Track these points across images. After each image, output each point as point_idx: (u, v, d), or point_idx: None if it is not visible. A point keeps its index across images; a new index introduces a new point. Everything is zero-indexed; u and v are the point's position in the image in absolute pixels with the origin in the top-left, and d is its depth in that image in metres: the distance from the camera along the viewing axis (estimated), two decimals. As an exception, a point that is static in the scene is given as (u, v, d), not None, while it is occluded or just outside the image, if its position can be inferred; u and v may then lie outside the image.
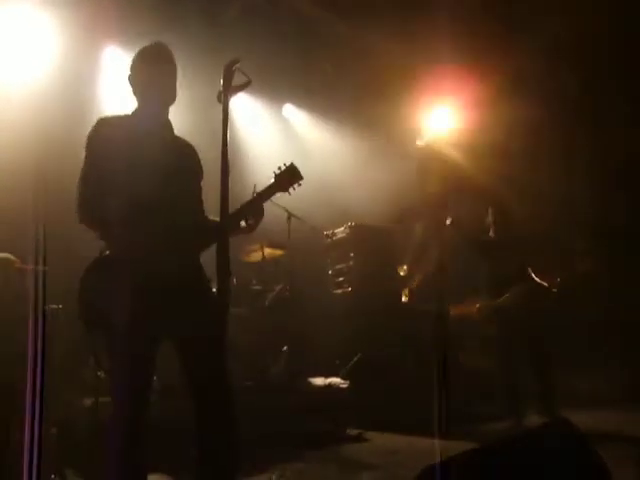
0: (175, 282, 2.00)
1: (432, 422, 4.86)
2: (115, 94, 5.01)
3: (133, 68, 2.25)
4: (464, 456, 1.13)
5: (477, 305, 4.90)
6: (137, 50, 2.26)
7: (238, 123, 6.23)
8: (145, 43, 2.29)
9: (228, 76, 1.73)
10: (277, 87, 6.11)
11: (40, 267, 3.10)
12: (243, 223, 2.23)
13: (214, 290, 2.21)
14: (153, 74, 2.19)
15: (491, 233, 5.11)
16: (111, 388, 2.07)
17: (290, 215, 4.92)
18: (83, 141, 2.15)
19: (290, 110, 6.83)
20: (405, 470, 3.45)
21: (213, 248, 2.17)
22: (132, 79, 2.25)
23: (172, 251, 2.02)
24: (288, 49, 5.99)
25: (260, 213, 2.26)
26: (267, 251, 5.07)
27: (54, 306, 3.59)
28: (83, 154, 2.13)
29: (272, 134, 6.55)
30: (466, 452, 1.16)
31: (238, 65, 1.76)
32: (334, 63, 6.37)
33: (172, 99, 2.24)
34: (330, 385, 4.73)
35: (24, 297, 3.08)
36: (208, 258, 2.23)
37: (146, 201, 2.02)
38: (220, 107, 1.81)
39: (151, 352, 2.07)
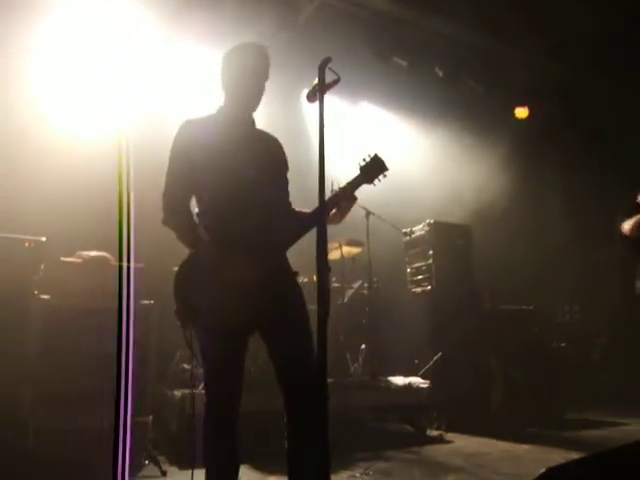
0: (266, 274, 2.02)
1: (513, 424, 4.71)
2: (195, 91, 5.19)
3: (230, 63, 2.24)
4: (585, 461, 1.07)
5: None
6: (235, 46, 2.25)
7: (314, 120, 6.28)
8: (227, 42, 2.31)
9: (322, 75, 1.74)
10: (353, 84, 6.10)
11: (134, 264, 3.29)
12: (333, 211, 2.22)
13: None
14: (249, 72, 2.20)
15: None
16: (205, 382, 2.14)
17: (369, 213, 4.91)
18: (166, 138, 2.19)
19: (366, 107, 6.79)
20: (488, 472, 3.35)
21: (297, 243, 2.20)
22: (226, 73, 2.24)
23: (265, 242, 2.05)
24: (363, 46, 5.98)
25: (349, 206, 2.24)
26: (345, 249, 5.08)
27: (146, 302, 3.79)
28: (168, 156, 2.16)
29: (350, 130, 6.53)
30: (587, 457, 1.09)
31: (330, 64, 1.76)
32: (410, 59, 6.27)
33: (258, 101, 2.26)
34: (410, 385, 4.67)
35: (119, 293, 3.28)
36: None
37: (237, 194, 2.06)
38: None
39: (242, 345, 2.13)
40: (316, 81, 1.82)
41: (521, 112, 7.29)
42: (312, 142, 6.12)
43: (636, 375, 6.03)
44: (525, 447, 4.02)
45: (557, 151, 7.29)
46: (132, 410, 2.97)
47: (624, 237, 3.68)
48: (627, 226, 3.63)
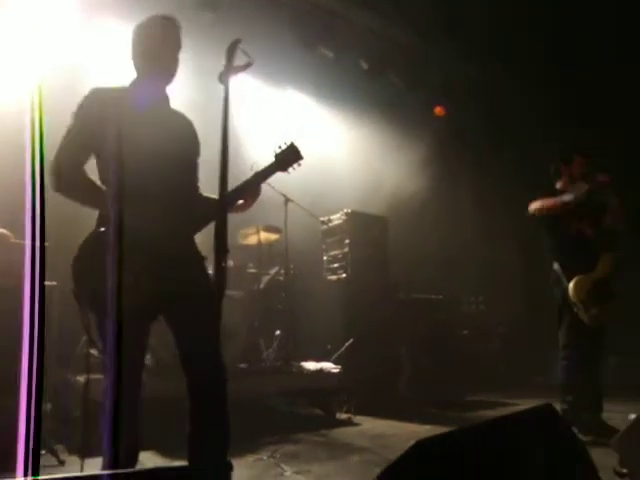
0: (170, 257, 1.99)
1: (418, 406, 4.97)
2: (109, 66, 4.94)
3: (138, 37, 2.19)
4: (452, 434, 1.17)
5: (576, 278, 3.74)
6: (144, 20, 2.20)
7: (238, 103, 6.20)
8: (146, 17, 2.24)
9: (230, 57, 1.74)
10: (278, 69, 6.08)
11: (37, 243, 3.11)
12: (240, 201, 2.23)
13: (209, 268, 2.23)
14: (160, 45, 2.15)
15: (559, 185, 4.03)
16: (104, 366, 2.09)
17: (287, 199, 4.93)
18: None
19: (292, 93, 6.78)
20: (394, 453, 3.49)
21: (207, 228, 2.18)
22: (137, 47, 2.19)
23: (169, 226, 2.01)
24: (289, 32, 5.95)
25: (257, 193, 2.26)
26: (263, 235, 5.09)
27: (49, 283, 3.60)
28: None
29: (273, 116, 6.51)
30: (454, 431, 1.19)
31: (240, 46, 1.76)
32: (336, 50, 6.32)
33: (173, 74, 2.21)
34: (322, 369, 4.78)
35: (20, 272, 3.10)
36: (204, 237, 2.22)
37: (143, 173, 1.99)
38: (217, 87, 1.80)
39: (143, 329, 2.10)
40: (237, 63, 1.81)
41: (439, 110, 7.58)
42: (234, 125, 6.04)
43: (529, 362, 6.56)
44: (427, 427, 4.23)
45: (470, 151, 7.65)
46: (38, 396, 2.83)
47: (532, 215, 3.88)
48: (534, 205, 3.85)
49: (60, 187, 1.98)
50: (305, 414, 4.84)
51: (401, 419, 4.57)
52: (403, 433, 4.09)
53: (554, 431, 1.26)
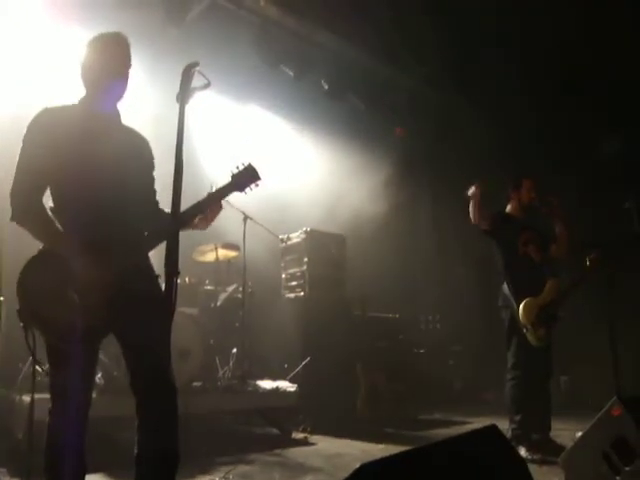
0: (122, 275, 1.95)
1: (373, 425, 4.98)
2: (71, 78, 4.83)
3: (90, 53, 2.17)
4: (396, 457, 1.19)
5: (525, 301, 3.84)
6: (95, 36, 2.19)
7: (199, 120, 6.17)
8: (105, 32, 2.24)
9: (186, 78, 1.75)
10: (240, 85, 6.10)
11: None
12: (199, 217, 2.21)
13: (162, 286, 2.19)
14: (110, 62, 2.14)
15: (509, 209, 4.23)
16: (50, 386, 2.03)
17: (246, 217, 4.93)
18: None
19: (254, 110, 6.81)
20: (347, 473, 3.46)
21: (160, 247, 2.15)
22: (87, 64, 2.17)
23: (122, 243, 1.99)
24: (251, 50, 5.99)
25: (217, 208, 2.25)
26: (221, 252, 5.05)
27: (-5, 298, 3.48)
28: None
29: (234, 133, 6.51)
30: (398, 454, 1.21)
31: (198, 68, 1.77)
32: (297, 69, 6.39)
33: (123, 90, 2.21)
34: (278, 388, 4.75)
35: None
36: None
37: (97, 192, 1.97)
38: (177, 104, 1.80)
39: (92, 349, 2.05)
40: (192, 84, 1.82)
41: (399, 132, 7.74)
42: (192, 141, 6.02)
43: (484, 380, 6.69)
44: (381, 447, 4.25)
45: (428, 174, 7.83)
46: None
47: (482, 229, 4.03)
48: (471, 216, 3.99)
49: (19, 222, 1.99)
50: (261, 433, 4.79)
51: (357, 438, 4.57)
52: (357, 452, 4.10)
53: (498, 452, 1.30)
